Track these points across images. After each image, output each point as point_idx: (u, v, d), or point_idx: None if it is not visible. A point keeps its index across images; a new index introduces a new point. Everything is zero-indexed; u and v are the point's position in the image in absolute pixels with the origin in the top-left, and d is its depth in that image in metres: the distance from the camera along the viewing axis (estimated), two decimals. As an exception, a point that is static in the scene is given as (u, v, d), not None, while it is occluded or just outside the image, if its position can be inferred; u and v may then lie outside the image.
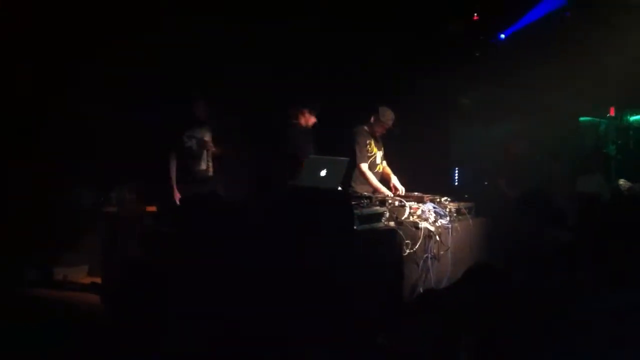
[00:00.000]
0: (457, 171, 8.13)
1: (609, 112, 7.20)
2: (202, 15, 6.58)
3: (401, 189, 5.93)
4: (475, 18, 7.72)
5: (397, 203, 4.93)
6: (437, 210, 5.03)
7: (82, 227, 6.30)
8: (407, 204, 4.93)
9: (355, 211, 4.41)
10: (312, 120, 6.09)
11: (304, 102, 6.07)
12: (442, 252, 4.95)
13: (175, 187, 6.12)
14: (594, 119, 7.25)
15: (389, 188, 6.00)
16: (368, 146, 6.13)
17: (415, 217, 4.90)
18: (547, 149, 7.41)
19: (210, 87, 6.65)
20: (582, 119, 7.32)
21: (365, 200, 4.82)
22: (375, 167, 6.18)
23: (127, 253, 5.54)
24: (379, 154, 6.22)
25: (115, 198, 6.30)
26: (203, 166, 6.37)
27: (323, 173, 4.89)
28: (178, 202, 6.06)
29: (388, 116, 6.08)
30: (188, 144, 6.26)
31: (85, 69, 6.36)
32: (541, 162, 7.29)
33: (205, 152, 6.37)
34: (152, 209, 6.27)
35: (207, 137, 6.37)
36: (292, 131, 5.98)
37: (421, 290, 4.64)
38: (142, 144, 6.43)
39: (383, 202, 4.92)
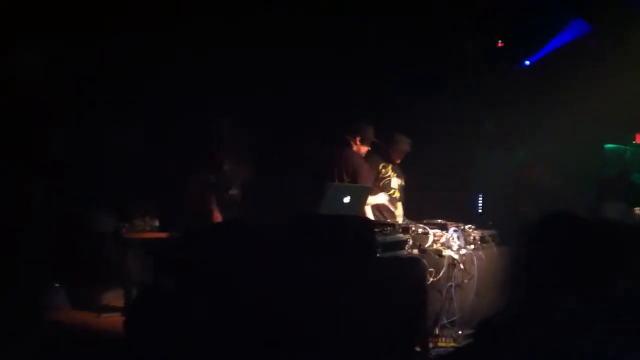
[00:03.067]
0: (480, 198, 8.06)
1: (634, 139, 7.12)
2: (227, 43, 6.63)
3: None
4: (500, 45, 7.71)
5: (420, 230, 4.90)
6: (460, 237, 4.99)
7: (107, 253, 6.32)
8: (431, 231, 4.90)
9: (378, 238, 4.39)
10: (364, 149, 6.01)
11: (365, 131, 5.97)
12: (466, 281, 4.90)
13: (215, 211, 6.10)
14: (620, 146, 7.17)
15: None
16: (383, 169, 6.11)
17: (438, 244, 4.87)
18: (571, 176, 7.33)
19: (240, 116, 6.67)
20: (607, 146, 7.24)
21: (389, 228, 4.79)
22: (389, 190, 6.14)
23: (148, 279, 5.54)
24: (396, 180, 6.19)
25: (137, 225, 6.31)
26: (234, 191, 6.36)
27: (346, 200, 4.89)
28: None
29: (406, 142, 6.11)
30: (225, 167, 6.26)
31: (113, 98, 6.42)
32: (562, 189, 7.22)
33: (235, 178, 6.35)
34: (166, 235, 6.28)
35: (237, 164, 6.37)
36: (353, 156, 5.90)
37: (445, 320, 4.59)
38: (166, 169, 6.46)
39: (406, 229, 4.89)
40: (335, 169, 5.71)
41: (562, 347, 1.88)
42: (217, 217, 6.17)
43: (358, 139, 5.91)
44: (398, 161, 6.19)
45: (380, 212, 5.99)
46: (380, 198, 5.96)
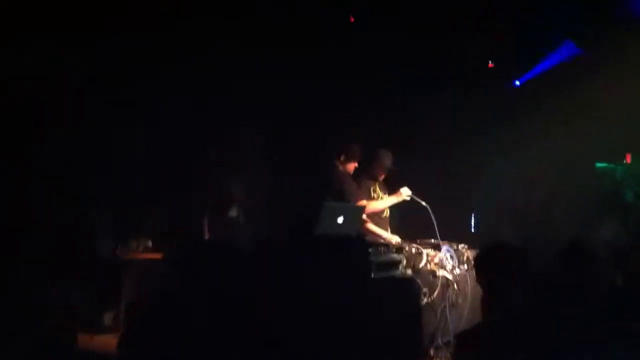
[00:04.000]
0: (473, 217, 8.09)
1: (625, 159, 7.18)
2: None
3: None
4: (490, 66, 7.79)
5: (414, 250, 4.91)
6: (453, 257, 5.00)
7: (102, 274, 6.29)
8: (424, 251, 4.91)
9: (372, 258, 4.40)
10: (351, 167, 5.94)
11: (347, 148, 5.92)
12: (460, 301, 4.91)
13: (207, 235, 6.10)
14: (610, 165, 7.23)
15: None
16: (373, 192, 6.00)
17: (432, 264, 4.88)
18: (562, 196, 7.37)
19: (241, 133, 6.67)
20: (598, 164, 7.30)
21: (382, 248, 4.80)
22: (382, 211, 6.02)
23: (141, 300, 5.51)
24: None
25: (134, 246, 6.29)
26: (233, 213, 6.35)
27: (340, 220, 4.89)
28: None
29: (388, 157, 5.98)
30: (219, 195, 6.26)
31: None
32: (554, 208, 7.26)
33: (232, 200, 6.35)
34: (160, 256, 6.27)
35: (237, 187, 6.38)
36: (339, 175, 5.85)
37: (440, 341, 4.59)
38: (160, 190, 6.46)
39: (400, 249, 4.89)
40: (321, 188, 5.69)
41: None
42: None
43: (342, 157, 5.86)
44: (381, 177, 6.09)
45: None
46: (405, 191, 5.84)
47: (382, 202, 5.89)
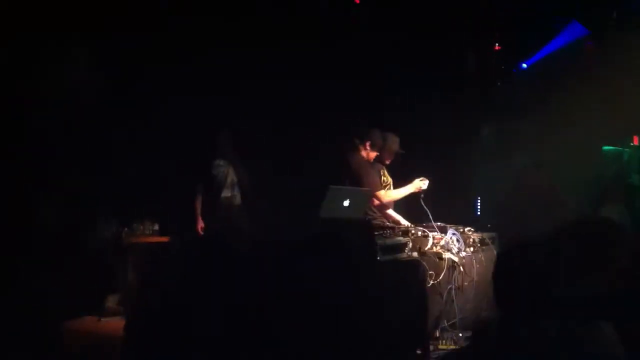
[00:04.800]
0: (478, 201, 8.07)
1: (632, 141, 7.13)
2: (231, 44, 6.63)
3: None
4: (497, 48, 7.74)
5: (420, 233, 4.91)
6: (459, 240, 4.99)
7: (107, 258, 6.31)
8: (431, 234, 4.90)
9: (378, 241, 4.39)
10: (373, 155, 5.91)
11: (369, 135, 5.86)
12: (466, 283, 4.90)
13: (199, 217, 6.15)
14: (618, 148, 7.19)
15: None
16: (383, 176, 6.01)
17: (438, 247, 4.87)
18: (569, 178, 7.34)
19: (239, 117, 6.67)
20: (605, 148, 7.26)
21: (388, 231, 4.80)
22: None
23: (146, 284, 5.53)
24: (392, 184, 6.13)
25: (137, 229, 6.31)
26: (227, 193, 6.38)
27: (346, 203, 4.88)
28: (201, 232, 6.07)
29: (396, 141, 5.98)
30: (213, 172, 6.29)
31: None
32: (561, 192, 7.22)
33: (230, 180, 6.38)
34: (166, 239, 6.28)
35: (233, 166, 6.39)
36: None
37: (445, 323, 4.59)
38: (163, 173, 6.46)
39: (406, 232, 4.88)
40: (340, 173, 5.64)
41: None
42: (200, 224, 6.20)
43: (368, 143, 5.81)
44: (388, 162, 6.08)
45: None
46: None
47: (401, 192, 5.85)
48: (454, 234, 5.00)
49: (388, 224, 5.38)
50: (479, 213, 8.06)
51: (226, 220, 6.24)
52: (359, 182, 5.58)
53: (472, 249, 5.11)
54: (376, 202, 5.72)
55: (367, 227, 4.82)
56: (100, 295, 6.25)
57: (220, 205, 6.33)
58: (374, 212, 5.76)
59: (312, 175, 6.08)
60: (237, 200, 6.45)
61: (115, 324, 5.51)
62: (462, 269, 4.85)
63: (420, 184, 5.67)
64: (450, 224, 5.30)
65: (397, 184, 6.00)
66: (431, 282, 4.51)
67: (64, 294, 5.83)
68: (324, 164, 6.14)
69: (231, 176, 6.40)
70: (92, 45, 6.06)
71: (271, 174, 6.77)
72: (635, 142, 7.06)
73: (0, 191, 5.65)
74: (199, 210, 6.22)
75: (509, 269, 2.34)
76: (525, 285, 2.18)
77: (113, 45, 6.16)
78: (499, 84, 7.91)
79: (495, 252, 5.41)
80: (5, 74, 5.69)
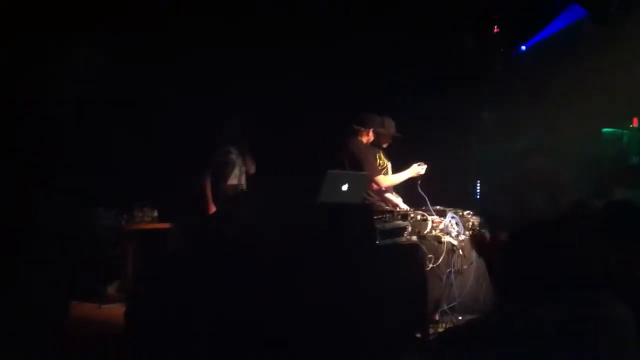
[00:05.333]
0: (478, 185, 8.06)
1: (631, 123, 7.11)
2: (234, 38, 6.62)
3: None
4: (496, 30, 7.70)
5: (419, 217, 4.91)
6: (459, 223, 4.99)
7: (107, 245, 6.32)
8: (430, 217, 4.90)
9: (377, 226, 4.39)
10: (371, 139, 5.91)
11: (371, 121, 5.89)
12: (465, 267, 4.91)
13: (210, 202, 6.08)
14: (617, 130, 7.17)
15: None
16: (379, 159, 6.02)
17: (437, 231, 4.87)
18: (569, 160, 7.32)
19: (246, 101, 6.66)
20: (604, 130, 7.24)
21: (387, 215, 4.80)
22: None
23: (148, 270, 5.54)
24: (389, 169, 6.14)
25: (136, 216, 6.31)
26: (234, 181, 6.34)
27: (344, 188, 4.88)
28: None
29: (392, 125, 5.97)
30: (224, 158, 6.24)
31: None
32: (562, 174, 7.20)
33: (238, 169, 6.34)
34: (166, 225, 6.27)
35: (241, 152, 6.37)
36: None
37: (445, 306, 4.60)
38: (163, 160, 6.45)
39: (405, 216, 4.89)
40: (339, 158, 5.66)
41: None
42: (212, 208, 6.18)
43: (367, 128, 5.82)
44: (385, 145, 6.07)
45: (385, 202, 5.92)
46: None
47: (399, 177, 5.85)
48: (452, 217, 5.00)
49: (387, 208, 5.38)
50: (478, 196, 8.06)
51: (233, 206, 6.21)
52: (359, 166, 5.59)
53: (471, 232, 5.11)
54: (375, 186, 5.72)
55: (366, 211, 4.82)
56: (101, 282, 6.28)
57: (227, 193, 6.29)
58: (373, 196, 5.75)
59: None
60: (244, 189, 6.42)
61: (115, 310, 5.54)
62: (461, 253, 4.85)
63: (418, 169, 5.66)
64: (449, 208, 5.30)
65: (396, 169, 5.99)
66: (430, 265, 4.52)
67: (63, 282, 5.85)
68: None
69: (240, 165, 6.36)
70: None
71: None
72: (635, 124, 7.05)
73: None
74: (209, 195, 6.13)
75: (513, 254, 2.24)
76: (530, 269, 2.11)
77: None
78: (498, 67, 7.86)
79: (487, 236, 5.41)
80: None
